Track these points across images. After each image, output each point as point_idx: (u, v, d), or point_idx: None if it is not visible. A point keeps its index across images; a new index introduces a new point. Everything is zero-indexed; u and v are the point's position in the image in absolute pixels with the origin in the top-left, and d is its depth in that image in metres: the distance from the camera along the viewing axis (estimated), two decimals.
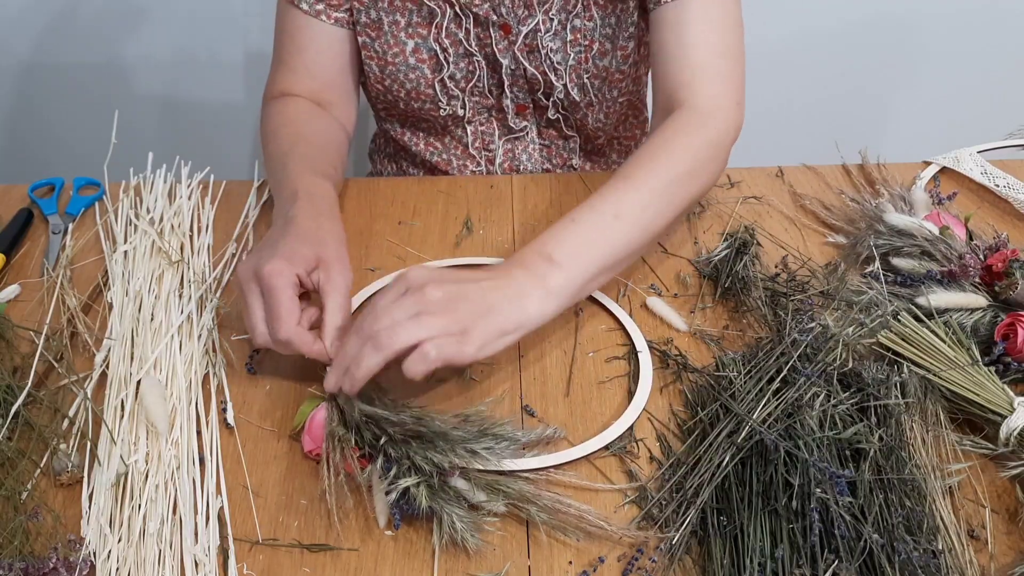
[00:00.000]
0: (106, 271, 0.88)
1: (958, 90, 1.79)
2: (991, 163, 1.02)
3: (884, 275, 0.85)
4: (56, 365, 0.78)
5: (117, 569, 0.64)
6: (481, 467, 0.68)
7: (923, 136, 1.80)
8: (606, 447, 0.73)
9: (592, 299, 0.86)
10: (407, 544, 0.67)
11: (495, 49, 0.97)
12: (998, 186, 0.99)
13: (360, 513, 0.68)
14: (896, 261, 0.87)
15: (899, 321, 0.78)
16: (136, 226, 0.92)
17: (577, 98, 1.01)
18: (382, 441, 0.67)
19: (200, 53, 1.67)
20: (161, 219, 0.93)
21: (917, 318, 0.78)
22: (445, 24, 0.95)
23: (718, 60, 0.89)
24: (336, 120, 1.01)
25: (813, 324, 0.77)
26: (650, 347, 0.81)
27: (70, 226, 0.94)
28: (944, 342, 0.76)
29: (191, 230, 0.92)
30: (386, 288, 0.72)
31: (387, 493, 0.66)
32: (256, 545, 0.67)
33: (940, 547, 0.64)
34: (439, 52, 0.97)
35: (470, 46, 0.96)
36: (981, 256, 0.83)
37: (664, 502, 0.68)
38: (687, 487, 0.68)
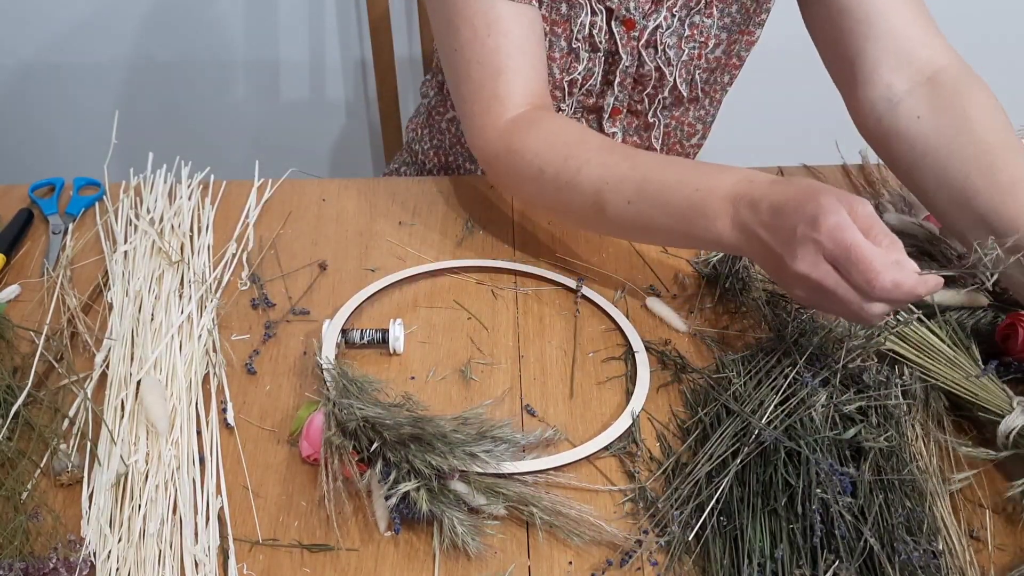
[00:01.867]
0: (106, 271, 0.88)
1: None
2: None
3: None
4: (56, 365, 0.78)
5: (117, 569, 0.64)
6: (481, 470, 0.68)
7: None
8: (606, 448, 0.73)
9: (589, 300, 0.86)
10: (407, 547, 0.67)
11: (618, 45, 0.95)
12: None
13: (360, 516, 0.68)
14: None
15: (898, 322, 0.78)
16: (136, 226, 0.92)
17: (684, 92, 1.00)
18: (375, 445, 0.67)
19: (200, 53, 1.67)
20: (161, 219, 0.93)
21: (917, 318, 0.78)
22: (586, 21, 0.94)
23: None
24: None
25: (820, 324, 0.77)
26: (649, 348, 0.81)
27: (70, 226, 0.94)
28: (944, 342, 0.76)
29: (191, 230, 0.92)
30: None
31: (387, 498, 0.66)
32: (256, 545, 0.67)
33: (940, 547, 0.64)
34: (579, 50, 0.95)
35: (598, 43, 0.95)
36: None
37: (664, 503, 0.68)
38: (685, 487, 0.68)
